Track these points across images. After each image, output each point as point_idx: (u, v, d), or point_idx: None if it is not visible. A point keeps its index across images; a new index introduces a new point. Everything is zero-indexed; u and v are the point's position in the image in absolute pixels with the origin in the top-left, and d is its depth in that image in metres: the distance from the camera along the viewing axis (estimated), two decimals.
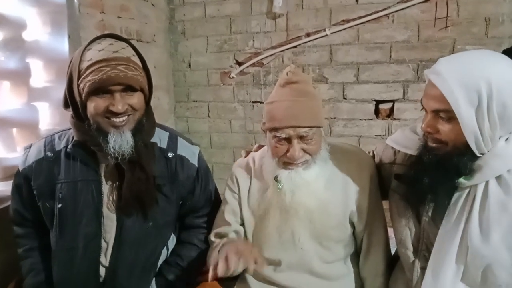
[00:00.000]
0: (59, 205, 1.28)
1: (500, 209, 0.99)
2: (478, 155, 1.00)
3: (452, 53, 2.36)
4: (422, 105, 1.06)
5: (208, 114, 3.09)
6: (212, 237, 1.42)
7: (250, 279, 1.42)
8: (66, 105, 1.27)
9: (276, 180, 1.25)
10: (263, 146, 1.43)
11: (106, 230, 1.30)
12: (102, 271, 1.31)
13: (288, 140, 1.20)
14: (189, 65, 3.06)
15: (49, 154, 1.31)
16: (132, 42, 1.26)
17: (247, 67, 2.89)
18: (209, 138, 3.12)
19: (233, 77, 2.94)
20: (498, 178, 1.01)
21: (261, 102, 2.89)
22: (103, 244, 1.30)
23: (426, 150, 1.07)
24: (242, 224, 1.41)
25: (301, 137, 1.19)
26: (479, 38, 2.36)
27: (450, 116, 0.98)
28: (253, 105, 2.95)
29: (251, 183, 1.38)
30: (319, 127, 1.23)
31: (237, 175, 1.42)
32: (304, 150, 1.21)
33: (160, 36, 2.94)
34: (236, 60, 2.92)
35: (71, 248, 1.29)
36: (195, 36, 3.01)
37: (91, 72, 1.14)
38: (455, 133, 0.99)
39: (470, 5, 2.36)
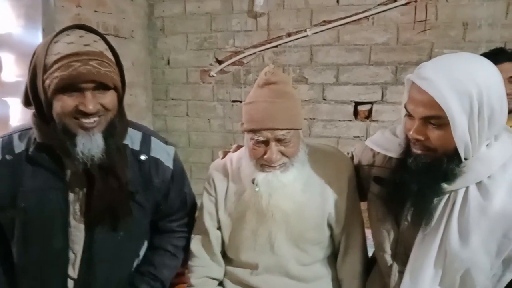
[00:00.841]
0: (22, 217, 1.15)
1: (480, 213, 0.99)
2: (463, 160, 1.00)
3: (431, 57, 2.41)
4: (407, 112, 1.03)
5: (187, 112, 3.05)
6: (192, 247, 1.40)
7: (226, 283, 1.40)
8: (27, 103, 1.15)
9: (254, 183, 1.23)
10: (241, 146, 1.40)
11: (74, 241, 1.19)
12: (71, 284, 1.21)
13: (266, 142, 1.18)
14: (168, 63, 3.02)
15: (7, 157, 1.15)
16: (109, 37, 1.15)
17: (227, 65, 2.86)
18: (188, 137, 3.07)
19: (213, 76, 2.91)
20: (478, 183, 1.01)
21: (241, 102, 2.86)
22: (71, 256, 1.20)
23: (413, 156, 1.05)
24: (219, 228, 1.38)
25: (278, 140, 1.17)
26: (457, 41, 2.40)
27: (441, 122, 0.96)
28: (232, 105, 2.92)
29: (228, 186, 1.36)
30: (297, 129, 1.21)
31: (214, 177, 1.38)
32: (282, 153, 1.19)
33: (139, 32, 2.89)
34: (216, 59, 2.89)
35: (37, 262, 1.19)
36: (175, 33, 2.96)
37: (59, 68, 1.02)
38: (445, 139, 0.97)
39: (448, 9, 2.39)
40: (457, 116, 0.93)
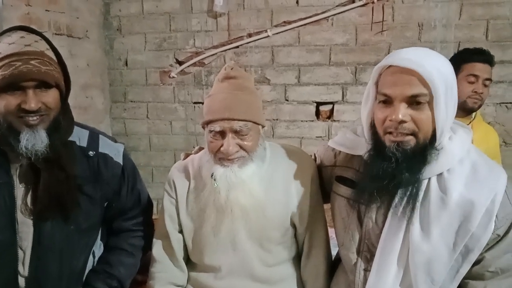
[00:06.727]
0: None
1: (439, 206, 1.01)
2: (438, 145, 1.02)
3: None
4: (385, 97, 1.01)
5: (147, 115, 2.97)
6: (154, 252, 1.35)
7: None
8: None
9: (212, 177, 1.21)
10: (203, 148, 1.37)
11: (22, 238, 1.19)
12: (22, 281, 1.20)
13: (223, 134, 1.17)
14: (126, 63, 2.93)
15: None
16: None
17: (188, 66, 2.81)
18: (148, 140, 3.00)
19: (173, 77, 2.85)
20: (439, 176, 1.03)
21: (203, 103, 2.81)
22: (20, 253, 1.19)
23: (390, 147, 1.02)
24: (181, 231, 1.34)
25: (235, 132, 1.16)
26: (413, 42, 2.47)
27: (423, 100, 0.98)
28: (194, 106, 2.88)
29: (190, 187, 1.32)
30: (255, 122, 1.20)
31: (174, 178, 1.35)
32: (240, 146, 1.18)
33: (94, 32, 2.78)
34: (176, 59, 2.84)
35: None
36: (132, 33, 2.88)
37: (0, 67, 1.06)
38: (427, 121, 0.99)
39: (404, 10, 2.47)
40: (441, 91, 0.96)
